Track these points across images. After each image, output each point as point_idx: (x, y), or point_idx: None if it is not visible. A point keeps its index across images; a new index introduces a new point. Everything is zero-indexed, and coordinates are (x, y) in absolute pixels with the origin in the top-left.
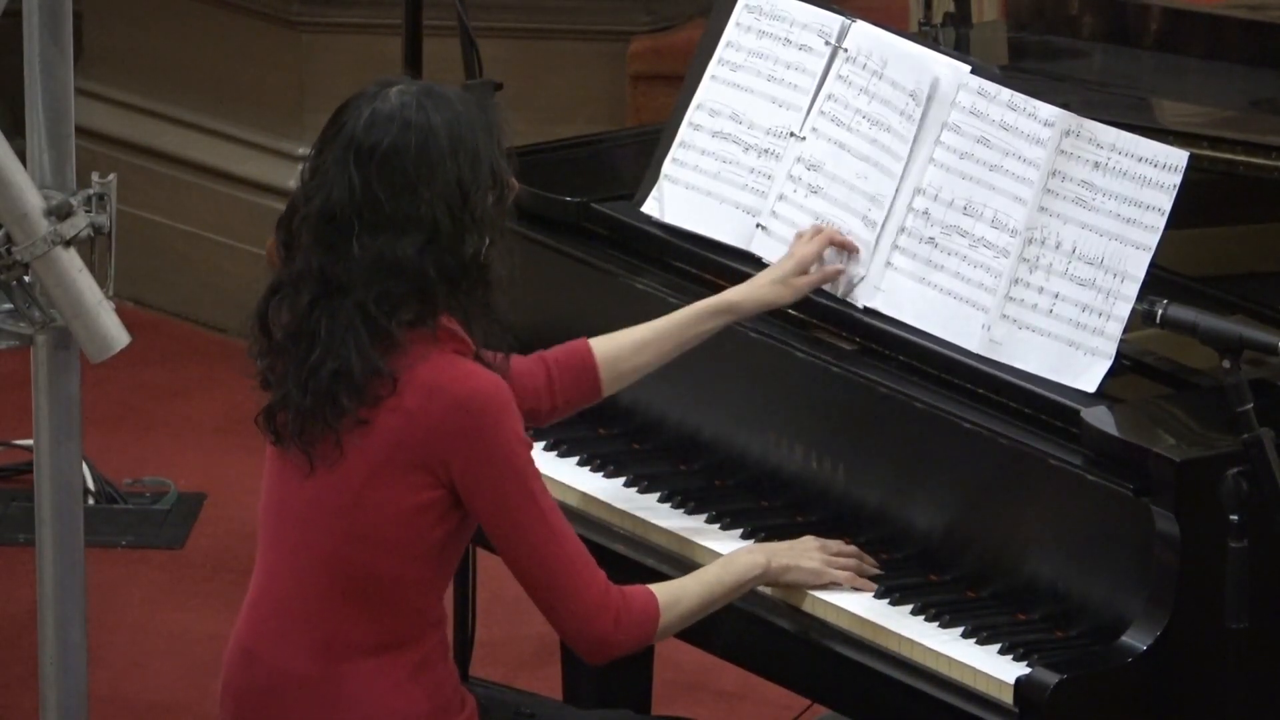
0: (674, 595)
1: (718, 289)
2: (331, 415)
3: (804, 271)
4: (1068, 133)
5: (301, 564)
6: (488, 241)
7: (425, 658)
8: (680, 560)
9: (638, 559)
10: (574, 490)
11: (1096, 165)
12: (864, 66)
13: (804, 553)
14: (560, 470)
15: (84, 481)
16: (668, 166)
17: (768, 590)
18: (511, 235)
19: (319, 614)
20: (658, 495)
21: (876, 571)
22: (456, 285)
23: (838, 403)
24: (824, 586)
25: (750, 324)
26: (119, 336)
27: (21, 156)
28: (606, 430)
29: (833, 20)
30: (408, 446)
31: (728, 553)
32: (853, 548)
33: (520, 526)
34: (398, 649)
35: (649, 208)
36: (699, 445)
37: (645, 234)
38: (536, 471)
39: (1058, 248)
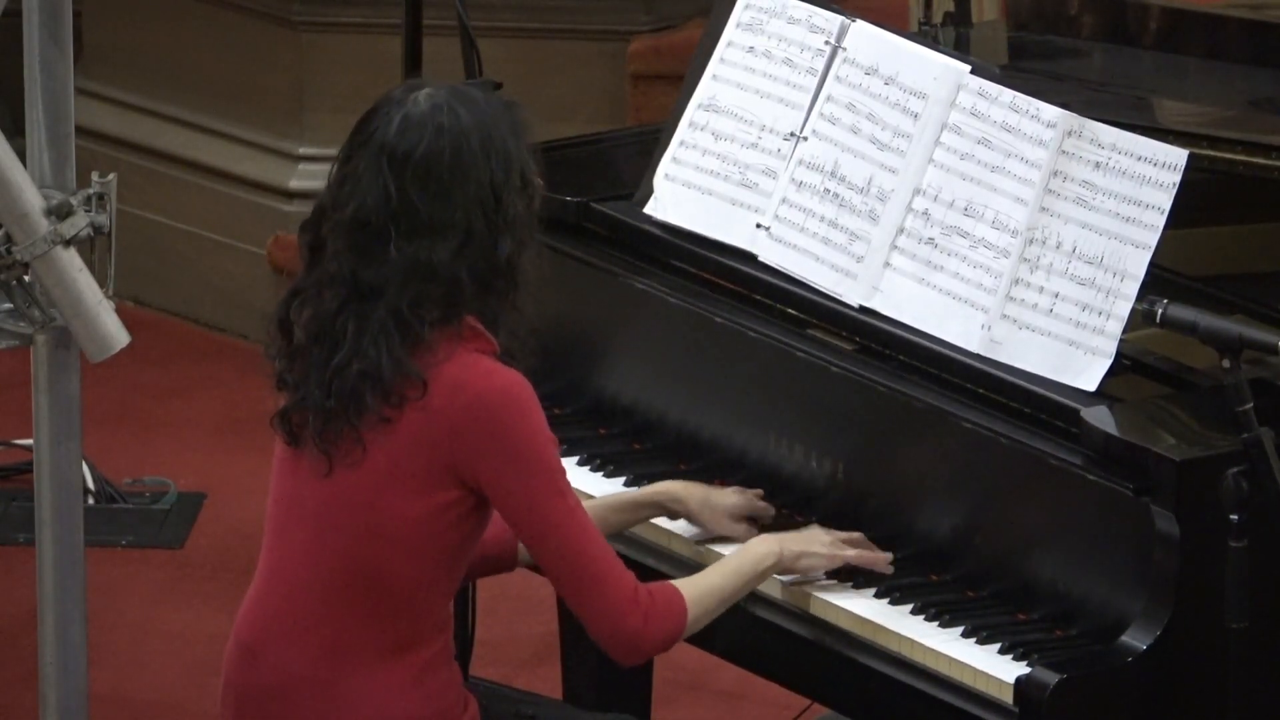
0: (698, 589)
1: (718, 289)
2: (355, 414)
3: (738, 518)
4: (1069, 133)
5: (312, 563)
6: (519, 243)
7: (430, 661)
8: (681, 560)
9: (639, 559)
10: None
11: (1097, 165)
12: (863, 66)
13: (813, 538)
14: None
15: (84, 481)
16: (668, 166)
17: (769, 590)
18: (539, 237)
19: (326, 615)
20: None
21: (887, 557)
22: (488, 287)
23: (838, 403)
24: (823, 585)
25: (750, 324)
26: (119, 336)
27: (21, 156)
28: (606, 430)
29: (833, 20)
30: (431, 445)
31: (737, 546)
32: (858, 535)
33: (550, 523)
34: (403, 652)
35: (649, 208)
36: (699, 445)
37: (645, 234)
38: (563, 468)
39: (1058, 247)
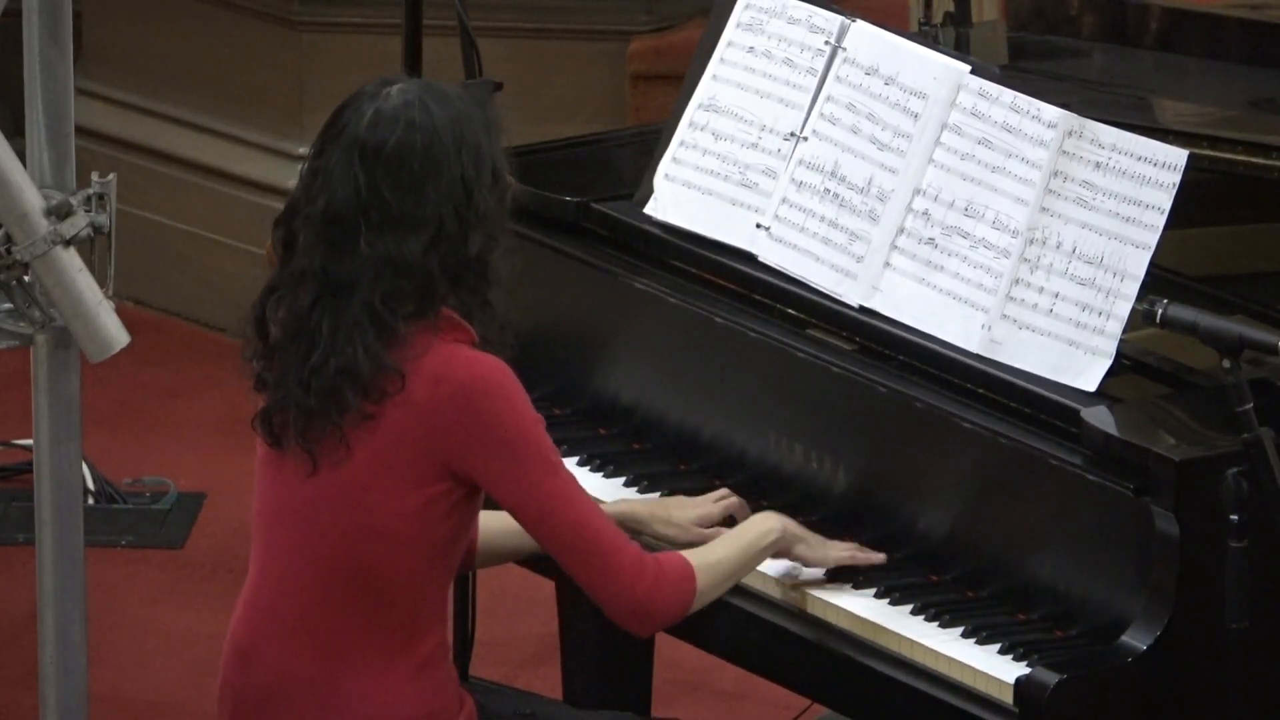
0: (706, 560)
1: (718, 289)
2: (336, 412)
3: (706, 525)
4: (1070, 133)
5: (303, 564)
6: (490, 239)
7: (426, 658)
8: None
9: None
10: None
11: (1098, 165)
12: (863, 66)
13: (811, 535)
14: None
15: (84, 481)
16: (668, 166)
17: (769, 590)
18: (511, 233)
19: (319, 615)
20: (658, 495)
21: (878, 559)
22: (459, 282)
23: (838, 403)
24: (823, 585)
25: (750, 324)
26: (119, 336)
27: (21, 156)
28: (606, 430)
29: (833, 20)
30: (416, 438)
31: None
32: (851, 545)
33: (549, 501)
34: (399, 649)
35: (649, 208)
36: (699, 445)
37: (645, 234)
38: (553, 446)
39: (1058, 248)
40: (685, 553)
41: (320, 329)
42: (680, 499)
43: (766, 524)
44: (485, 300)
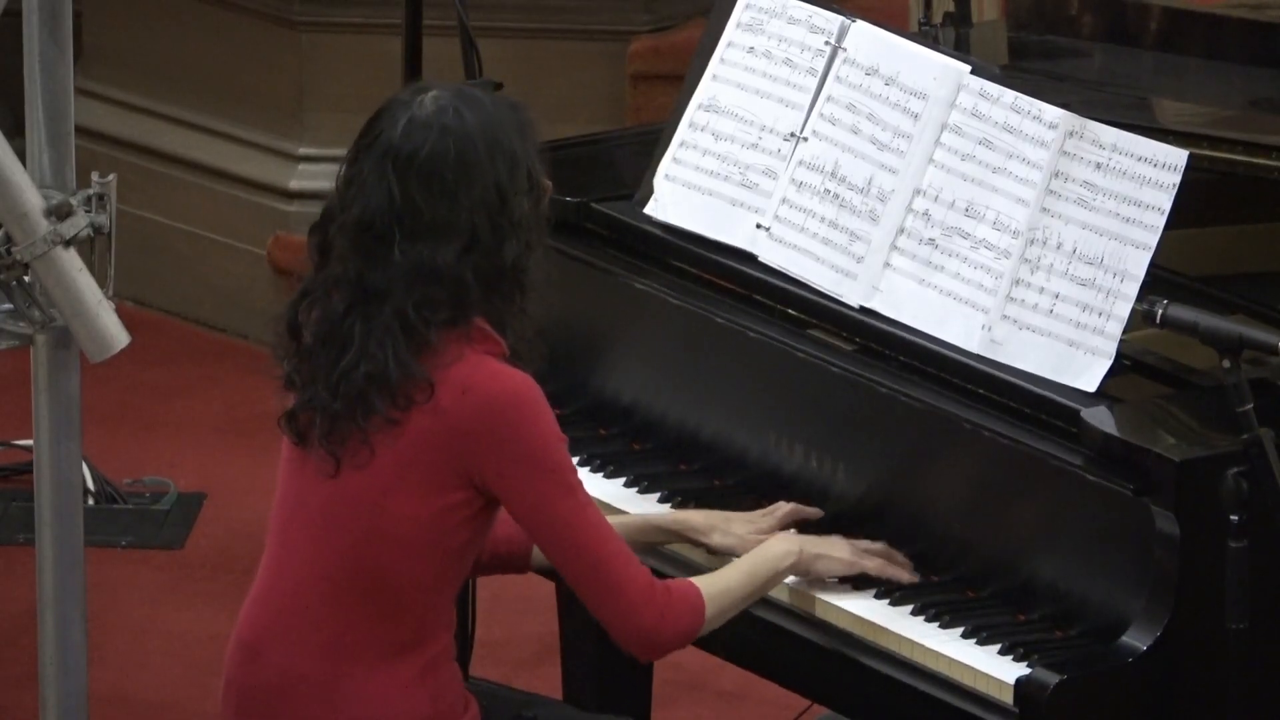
0: (717, 586)
1: (718, 289)
2: (362, 416)
3: (763, 535)
4: (1071, 134)
5: (316, 563)
6: (525, 245)
7: (433, 660)
8: (681, 561)
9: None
10: None
11: (1098, 166)
12: (863, 67)
13: (834, 543)
14: None
15: (84, 481)
16: (668, 166)
17: (770, 591)
18: (548, 239)
19: (330, 614)
20: (658, 495)
21: (908, 566)
22: (494, 290)
23: (838, 403)
24: (827, 587)
25: (750, 324)
26: (119, 336)
27: (21, 156)
28: (606, 430)
29: (833, 20)
30: (438, 446)
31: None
32: (881, 544)
33: (564, 523)
34: (407, 651)
35: (649, 208)
36: (699, 445)
37: (645, 234)
38: (574, 466)
39: (1059, 248)
40: (697, 580)
41: (353, 334)
42: (734, 514)
43: (782, 547)
44: (521, 308)
